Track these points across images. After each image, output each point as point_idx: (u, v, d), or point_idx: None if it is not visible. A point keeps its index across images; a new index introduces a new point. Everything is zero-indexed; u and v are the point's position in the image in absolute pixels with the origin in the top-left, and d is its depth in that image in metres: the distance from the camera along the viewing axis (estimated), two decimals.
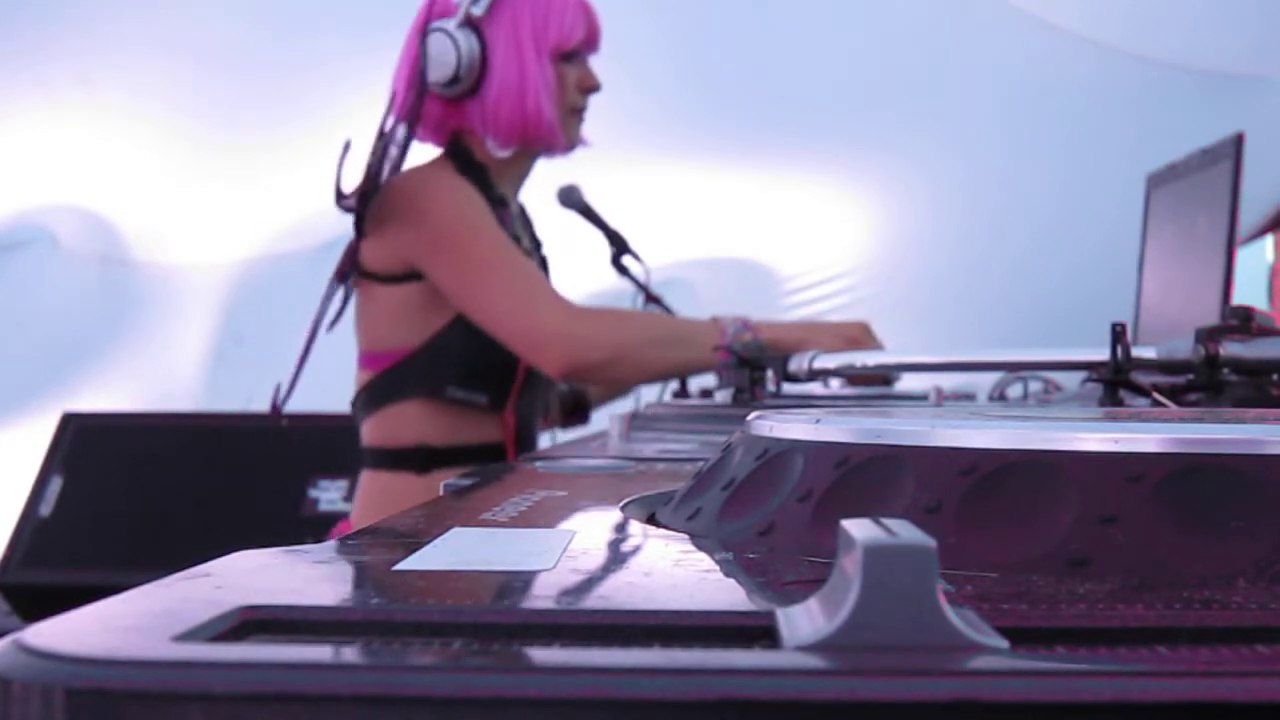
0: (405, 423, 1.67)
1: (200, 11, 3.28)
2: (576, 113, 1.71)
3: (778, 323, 1.73)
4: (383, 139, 1.58)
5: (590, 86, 1.71)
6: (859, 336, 1.65)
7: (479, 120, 1.66)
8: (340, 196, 1.59)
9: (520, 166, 1.74)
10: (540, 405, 1.79)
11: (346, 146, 1.59)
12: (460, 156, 1.69)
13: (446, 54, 1.61)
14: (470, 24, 1.62)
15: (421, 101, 1.60)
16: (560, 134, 1.68)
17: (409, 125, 1.60)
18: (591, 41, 1.71)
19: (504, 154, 1.68)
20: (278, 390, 1.65)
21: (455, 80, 1.62)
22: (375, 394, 1.69)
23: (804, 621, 0.29)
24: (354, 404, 1.73)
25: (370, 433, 1.70)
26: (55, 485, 2.59)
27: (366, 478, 1.72)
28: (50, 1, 3.17)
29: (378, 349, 1.69)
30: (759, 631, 0.30)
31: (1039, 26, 3.45)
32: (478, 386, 1.66)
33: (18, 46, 3.20)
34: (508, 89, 1.63)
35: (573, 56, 1.68)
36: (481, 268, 1.59)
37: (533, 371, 1.69)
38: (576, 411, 1.97)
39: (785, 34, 3.39)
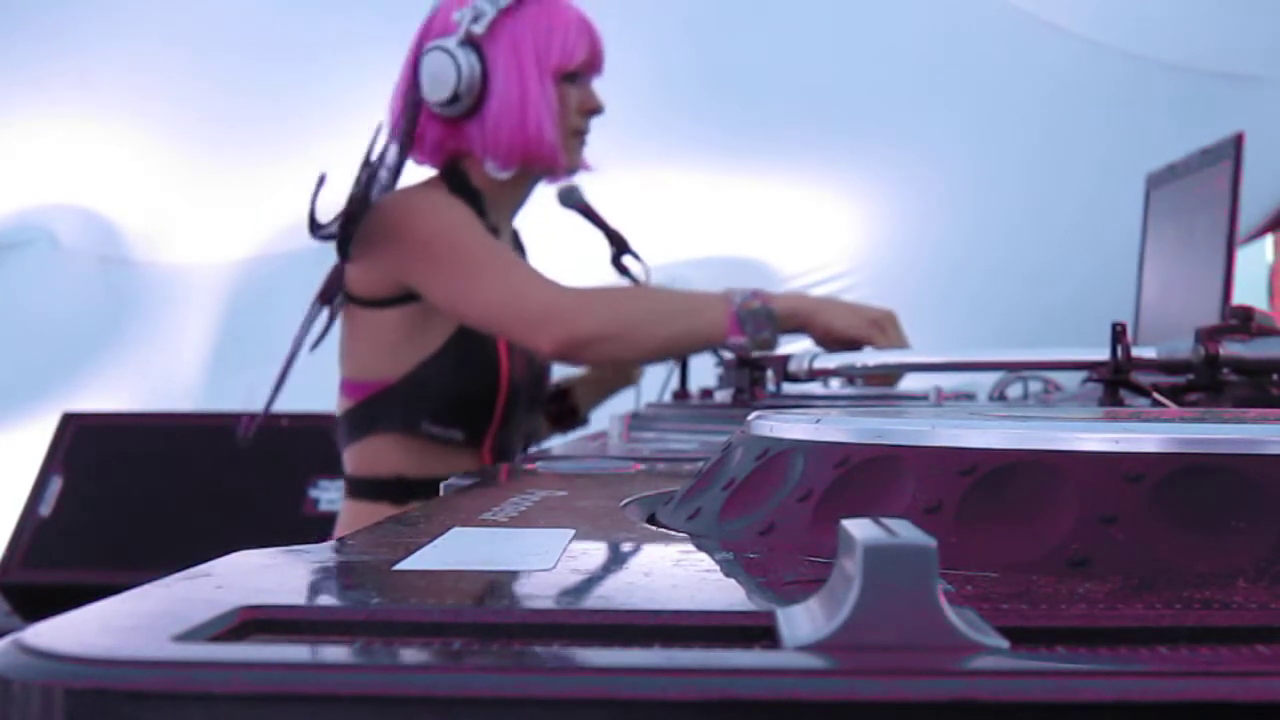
0: (382, 454, 1.66)
1: (200, 11, 3.28)
2: (578, 135, 1.68)
3: (795, 294, 1.69)
4: (369, 165, 1.55)
5: (592, 108, 1.68)
6: (880, 320, 1.58)
7: (478, 141, 1.63)
8: (316, 227, 1.56)
9: (517, 192, 1.72)
10: (520, 439, 1.77)
11: (321, 180, 1.56)
12: (455, 180, 1.67)
13: (446, 72, 1.58)
14: (471, 42, 1.59)
15: (415, 121, 1.57)
16: (561, 156, 1.65)
17: (403, 146, 1.58)
18: (594, 63, 1.68)
19: (503, 176, 1.65)
20: (251, 416, 1.64)
21: (454, 99, 1.59)
22: (353, 424, 1.68)
23: (804, 621, 0.29)
24: (335, 429, 1.72)
25: (350, 461, 1.70)
26: (55, 485, 2.59)
27: (347, 506, 1.71)
28: (49, 2, 3.17)
29: (357, 378, 1.67)
30: (759, 631, 0.30)
31: (1038, 26, 3.45)
32: (454, 423, 1.64)
33: (17, 47, 3.20)
34: (509, 109, 1.60)
35: (575, 77, 1.65)
36: (469, 265, 1.56)
37: (511, 407, 1.67)
38: (565, 416, 1.93)
39: (784, 34, 3.39)
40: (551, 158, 1.64)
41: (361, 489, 1.68)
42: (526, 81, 1.60)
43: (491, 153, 1.63)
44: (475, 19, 1.59)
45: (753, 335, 1.52)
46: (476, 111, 1.62)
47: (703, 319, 1.55)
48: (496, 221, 1.69)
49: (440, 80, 1.59)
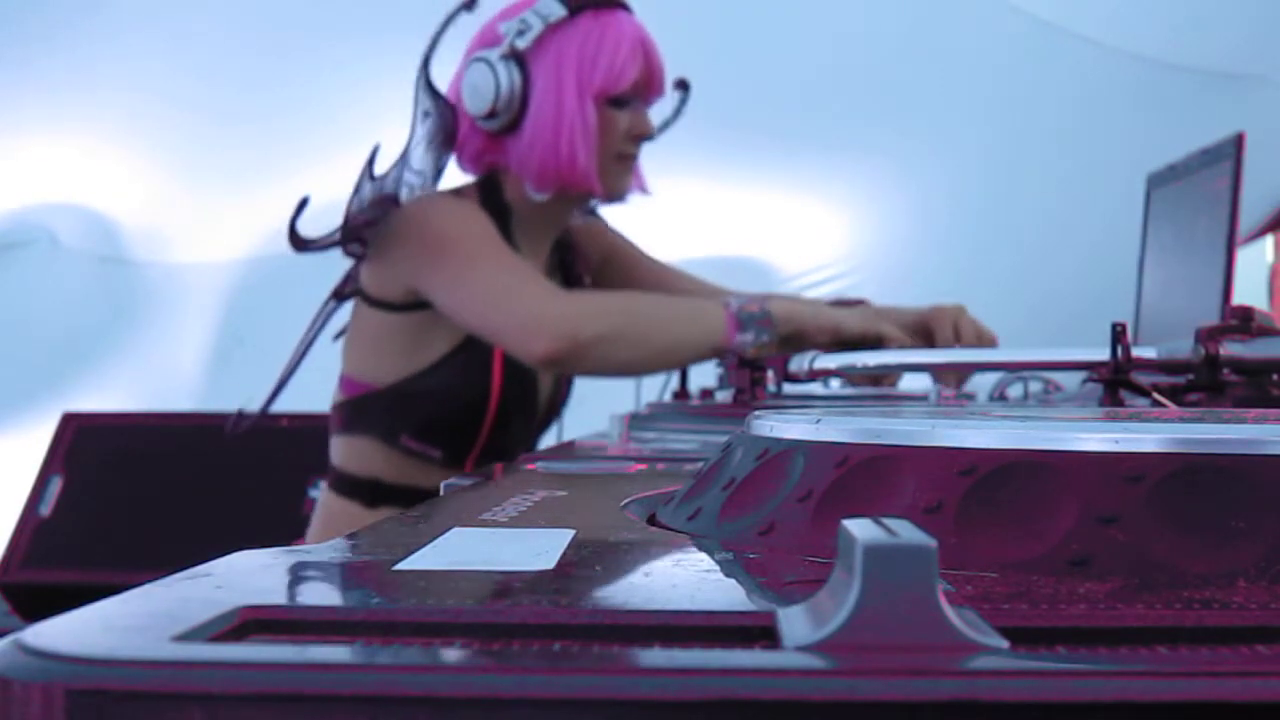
0: (362, 455, 1.65)
1: (201, 10, 3.28)
2: (622, 159, 1.63)
3: (791, 297, 1.68)
4: (374, 180, 1.54)
5: (641, 134, 1.63)
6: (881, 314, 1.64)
7: (515, 159, 1.59)
8: (301, 244, 1.55)
9: (554, 214, 1.67)
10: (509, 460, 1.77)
11: (303, 202, 1.53)
12: (487, 191, 1.64)
13: (485, 85, 1.54)
14: (514, 57, 1.55)
15: (453, 125, 1.56)
16: (596, 181, 1.59)
17: (437, 150, 1.56)
18: (650, 86, 1.63)
19: (540, 198, 1.61)
20: (239, 415, 1.64)
21: (493, 114, 1.56)
22: (341, 418, 1.68)
23: (804, 621, 0.29)
24: (330, 415, 1.72)
25: (333, 452, 1.70)
26: (55, 485, 2.59)
27: (323, 496, 1.72)
28: (50, 2, 3.17)
29: (351, 375, 1.67)
30: (759, 631, 0.30)
31: (1038, 25, 3.45)
32: (433, 442, 1.62)
33: (17, 47, 3.20)
34: (543, 128, 1.55)
35: (625, 101, 1.60)
36: (471, 267, 1.54)
37: (497, 432, 1.65)
38: None
39: (785, 33, 3.39)
40: (584, 183, 1.58)
41: (338, 483, 1.68)
42: (564, 102, 1.55)
43: (526, 172, 1.59)
44: (520, 33, 1.54)
45: (755, 337, 1.52)
46: (515, 128, 1.57)
47: (702, 322, 1.53)
48: (523, 240, 1.65)
49: (480, 94, 1.55)
